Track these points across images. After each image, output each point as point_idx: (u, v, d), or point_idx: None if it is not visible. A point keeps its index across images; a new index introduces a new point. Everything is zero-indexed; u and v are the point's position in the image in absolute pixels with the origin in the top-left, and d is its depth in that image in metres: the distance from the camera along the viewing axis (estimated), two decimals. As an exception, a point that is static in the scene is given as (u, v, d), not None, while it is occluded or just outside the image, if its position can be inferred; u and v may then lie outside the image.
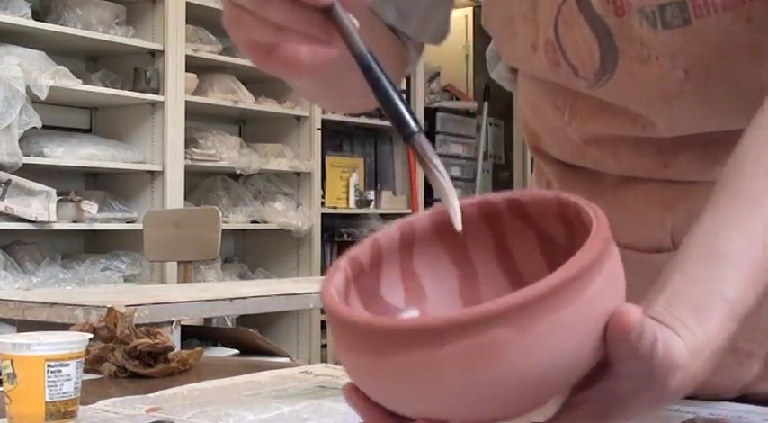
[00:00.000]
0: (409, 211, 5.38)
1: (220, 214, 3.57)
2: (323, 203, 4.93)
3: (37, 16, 3.79)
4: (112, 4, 4.00)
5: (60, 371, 0.83)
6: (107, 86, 3.95)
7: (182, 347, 1.67)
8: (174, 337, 2.21)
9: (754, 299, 0.61)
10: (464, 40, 6.52)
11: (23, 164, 3.53)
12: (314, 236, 4.78)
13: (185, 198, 4.22)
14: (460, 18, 6.42)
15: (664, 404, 0.56)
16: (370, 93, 0.61)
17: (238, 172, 4.46)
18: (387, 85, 0.61)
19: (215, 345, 2.83)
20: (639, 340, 0.52)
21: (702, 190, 0.72)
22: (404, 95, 0.63)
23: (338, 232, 5.13)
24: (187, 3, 4.15)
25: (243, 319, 4.13)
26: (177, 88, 4.11)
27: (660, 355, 0.53)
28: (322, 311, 3.37)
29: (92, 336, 0.98)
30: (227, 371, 1.12)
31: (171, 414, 0.86)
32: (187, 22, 4.17)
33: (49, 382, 0.82)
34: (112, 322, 1.15)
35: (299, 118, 4.78)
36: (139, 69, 4.05)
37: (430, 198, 5.59)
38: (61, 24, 3.80)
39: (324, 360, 4.08)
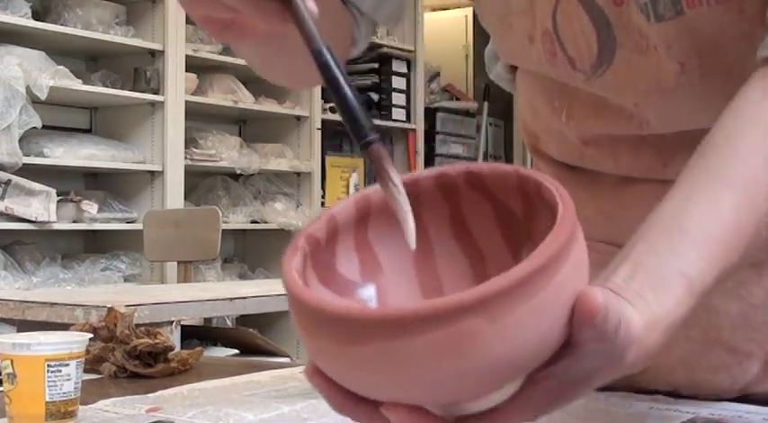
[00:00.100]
0: (409, 211, 5.37)
1: (220, 214, 3.57)
2: (323, 203, 4.93)
3: (37, 16, 3.78)
4: (112, 4, 3.99)
5: (60, 371, 0.83)
6: (107, 86, 3.95)
7: (182, 347, 1.67)
8: (174, 337, 2.21)
9: (716, 277, 0.61)
10: (464, 40, 6.52)
11: (23, 164, 3.53)
12: (314, 236, 4.78)
13: (185, 198, 4.22)
14: (460, 18, 6.42)
15: (617, 377, 0.57)
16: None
17: (238, 172, 4.45)
18: (344, 86, 0.57)
19: (215, 345, 2.83)
20: (605, 323, 0.52)
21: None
22: (361, 96, 0.61)
23: (338, 232, 5.12)
24: (187, 3, 4.15)
25: (243, 319, 4.12)
26: (177, 88, 4.11)
27: (621, 335, 0.54)
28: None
29: (92, 336, 0.98)
30: (227, 371, 1.12)
31: (171, 414, 0.86)
32: (187, 22, 4.16)
33: (49, 382, 0.82)
34: (112, 322, 1.15)
35: (299, 118, 4.78)
36: (139, 69, 4.05)
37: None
38: (61, 24, 3.80)
39: (324, 360, 4.06)
